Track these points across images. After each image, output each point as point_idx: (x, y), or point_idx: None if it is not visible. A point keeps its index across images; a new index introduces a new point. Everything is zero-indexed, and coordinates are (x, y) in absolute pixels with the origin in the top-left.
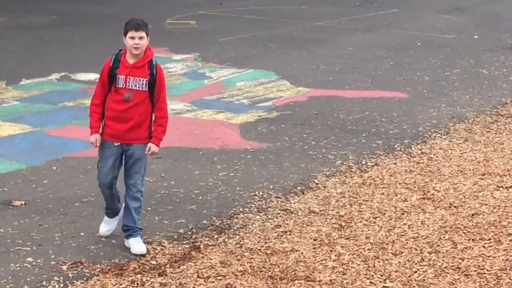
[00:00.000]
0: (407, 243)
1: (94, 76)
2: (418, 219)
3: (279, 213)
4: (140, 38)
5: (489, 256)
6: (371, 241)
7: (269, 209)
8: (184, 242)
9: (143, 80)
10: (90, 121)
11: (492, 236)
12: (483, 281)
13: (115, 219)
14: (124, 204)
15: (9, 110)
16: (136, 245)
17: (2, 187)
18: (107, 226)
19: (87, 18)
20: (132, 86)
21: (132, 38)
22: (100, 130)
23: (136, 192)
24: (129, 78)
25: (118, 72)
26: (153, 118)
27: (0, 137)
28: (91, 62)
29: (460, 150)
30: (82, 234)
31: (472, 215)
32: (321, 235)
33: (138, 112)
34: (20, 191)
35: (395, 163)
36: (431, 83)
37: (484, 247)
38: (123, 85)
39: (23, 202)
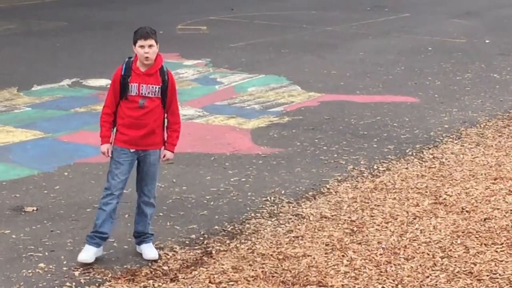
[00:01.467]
0: (419, 248)
1: (105, 82)
2: (430, 224)
3: (290, 218)
4: (150, 46)
5: (502, 261)
6: (383, 246)
7: (280, 214)
8: (196, 247)
9: (155, 87)
10: (101, 130)
11: (505, 240)
12: (496, 286)
13: (99, 250)
14: (136, 211)
15: (21, 116)
16: (148, 250)
17: (14, 193)
18: (89, 253)
19: (98, 24)
20: (145, 94)
21: (142, 47)
22: (111, 138)
23: (152, 198)
24: (142, 86)
25: (130, 80)
26: (166, 124)
27: (12, 143)
28: (102, 68)
29: (472, 155)
30: None
31: (484, 219)
32: (333, 240)
33: (153, 118)
34: (32, 197)
35: (406, 168)
36: (443, 87)
37: (497, 251)
38: (136, 93)
39: (35, 208)
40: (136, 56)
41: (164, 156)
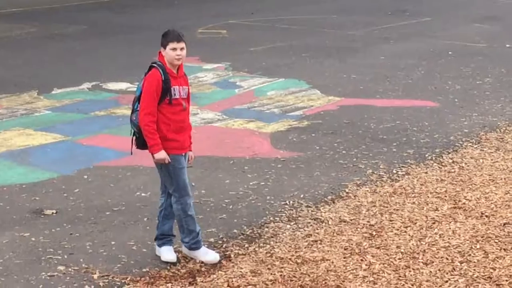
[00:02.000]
0: (438, 252)
1: (125, 86)
2: (449, 228)
3: (309, 222)
4: (182, 49)
5: None
6: (402, 250)
7: (299, 218)
8: (215, 251)
9: (187, 88)
10: (152, 138)
11: None
12: None
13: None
14: (162, 213)
15: (41, 119)
16: (168, 253)
17: (34, 196)
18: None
19: (118, 28)
20: (183, 95)
21: (174, 49)
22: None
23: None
24: (180, 88)
25: (172, 83)
26: None
27: (32, 146)
28: (121, 72)
29: (492, 159)
30: (113, 243)
31: (504, 224)
32: (352, 244)
33: (189, 118)
34: (52, 200)
35: (426, 172)
36: (463, 92)
37: None
38: (178, 95)
39: (54, 211)
40: (163, 59)
41: (190, 158)
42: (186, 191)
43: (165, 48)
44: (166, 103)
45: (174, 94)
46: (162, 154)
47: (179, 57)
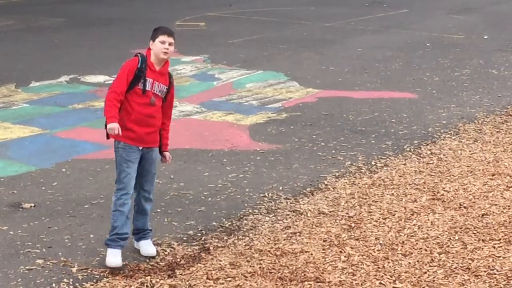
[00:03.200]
0: (417, 244)
1: (103, 78)
2: (428, 219)
3: (288, 214)
4: (170, 44)
5: (499, 257)
6: (381, 242)
7: (278, 210)
8: (194, 243)
9: (164, 87)
10: (110, 110)
11: (502, 236)
12: (493, 282)
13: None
14: (135, 208)
15: (19, 113)
16: (147, 247)
17: (12, 189)
18: (119, 258)
19: (96, 20)
20: (156, 91)
21: (163, 42)
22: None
23: (151, 194)
24: (155, 83)
25: (147, 74)
26: (162, 127)
27: (10, 139)
28: (100, 65)
29: (470, 151)
30: (91, 236)
31: (482, 215)
32: (331, 236)
33: (158, 116)
34: (30, 193)
35: (404, 164)
36: (441, 83)
37: (494, 247)
38: (150, 88)
39: (32, 205)
40: (149, 53)
41: (168, 158)
42: (125, 186)
43: (154, 40)
44: (135, 92)
45: (146, 86)
46: (113, 125)
47: (166, 51)
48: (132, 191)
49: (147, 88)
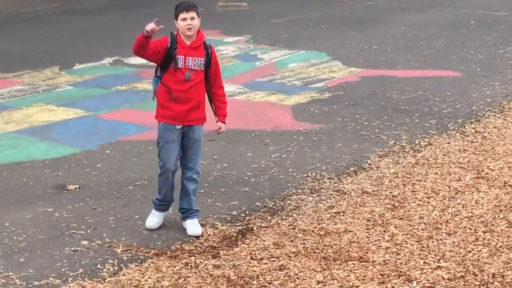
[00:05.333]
0: (461, 222)
1: (146, 60)
2: (472, 198)
3: (332, 194)
4: (192, 18)
5: None
6: (425, 221)
7: (322, 190)
8: (237, 224)
9: (200, 60)
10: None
11: None
12: None
13: (165, 213)
14: (181, 187)
15: (63, 95)
16: (193, 227)
17: (57, 171)
18: (156, 219)
19: (138, 2)
20: (191, 66)
21: (184, 19)
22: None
23: (195, 173)
24: (188, 58)
25: (177, 52)
26: (213, 97)
27: (54, 122)
28: None
29: None
30: (136, 217)
31: None
32: (375, 215)
33: (197, 92)
34: (74, 175)
35: (448, 143)
36: (485, 61)
37: None
38: (182, 65)
39: (77, 186)
40: (178, 32)
41: (219, 129)
42: (165, 162)
43: (177, 19)
44: (170, 71)
45: (177, 63)
46: (149, 25)
47: (189, 27)
48: (173, 168)
49: (178, 66)
